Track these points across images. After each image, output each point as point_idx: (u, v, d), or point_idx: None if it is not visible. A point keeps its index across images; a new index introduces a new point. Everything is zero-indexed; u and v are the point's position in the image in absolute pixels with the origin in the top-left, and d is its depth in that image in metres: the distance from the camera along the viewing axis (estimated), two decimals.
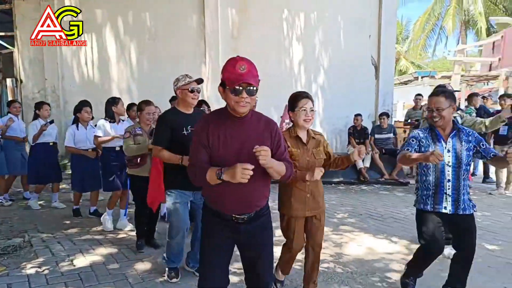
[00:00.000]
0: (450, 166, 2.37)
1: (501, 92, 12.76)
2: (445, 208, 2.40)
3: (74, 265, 3.10)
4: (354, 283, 2.87)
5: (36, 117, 4.86)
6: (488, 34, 20.76)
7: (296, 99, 2.41)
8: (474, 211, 2.43)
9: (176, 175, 2.63)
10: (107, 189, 4.16)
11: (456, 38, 24.06)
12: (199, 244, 2.54)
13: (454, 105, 2.38)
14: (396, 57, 29.53)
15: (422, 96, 7.22)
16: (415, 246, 3.64)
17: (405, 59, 29.43)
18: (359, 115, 7.22)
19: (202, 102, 4.31)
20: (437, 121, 2.37)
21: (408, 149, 2.45)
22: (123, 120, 4.32)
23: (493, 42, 10.72)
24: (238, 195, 1.75)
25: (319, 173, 2.25)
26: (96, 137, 4.09)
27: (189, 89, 2.70)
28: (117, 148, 4.11)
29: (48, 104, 5.07)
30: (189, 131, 2.67)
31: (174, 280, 2.82)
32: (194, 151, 1.80)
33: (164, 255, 2.94)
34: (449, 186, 2.39)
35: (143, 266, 3.14)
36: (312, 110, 2.41)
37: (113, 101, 4.15)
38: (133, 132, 3.49)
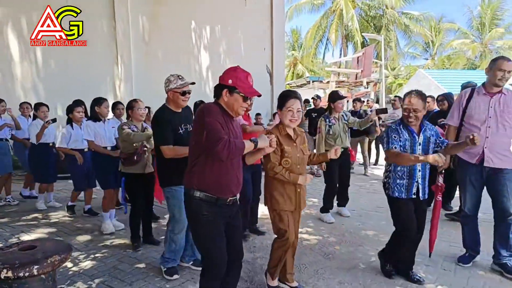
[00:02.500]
0: None
1: (372, 94, 16.41)
2: (415, 194, 2.65)
3: (22, 240, 3.64)
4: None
5: (34, 117, 4.96)
6: (363, 46, 25.08)
7: (284, 99, 2.45)
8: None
9: (173, 171, 2.66)
10: (104, 187, 4.05)
11: (339, 48, 28.18)
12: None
13: (425, 106, 2.63)
14: (293, 62, 33.02)
15: (308, 101, 9.05)
16: (312, 211, 5.04)
17: (301, 64, 32.82)
18: (259, 114, 8.69)
19: (201, 102, 4.36)
20: (412, 122, 2.57)
21: (395, 147, 2.61)
22: (108, 119, 4.27)
23: (358, 57, 13.60)
24: (236, 176, 2.04)
25: (307, 179, 2.43)
26: (88, 141, 4.05)
27: (181, 92, 2.72)
28: (109, 148, 4.07)
29: (47, 106, 5.01)
30: (183, 130, 2.72)
31: (176, 276, 2.87)
32: (218, 129, 1.86)
33: (164, 255, 2.94)
34: (419, 175, 2.63)
35: (83, 238, 3.85)
36: (299, 111, 2.44)
37: (96, 102, 4.07)
38: (130, 127, 3.47)
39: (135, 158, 3.34)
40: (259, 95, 1.99)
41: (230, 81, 1.94)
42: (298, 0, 26.87)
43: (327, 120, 4.51)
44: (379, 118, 5.64)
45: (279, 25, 9.48)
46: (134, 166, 3.39)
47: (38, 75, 8.08)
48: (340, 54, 27.25)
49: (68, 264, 3.13)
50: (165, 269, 2.91)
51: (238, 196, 2.17)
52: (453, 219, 4.33)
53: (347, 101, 14.42)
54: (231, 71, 1.99)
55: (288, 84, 24.53)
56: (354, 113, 7.13)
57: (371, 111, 5.67)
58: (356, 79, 13.84)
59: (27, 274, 1.99)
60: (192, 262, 3.08)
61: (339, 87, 16.32)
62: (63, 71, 8.02)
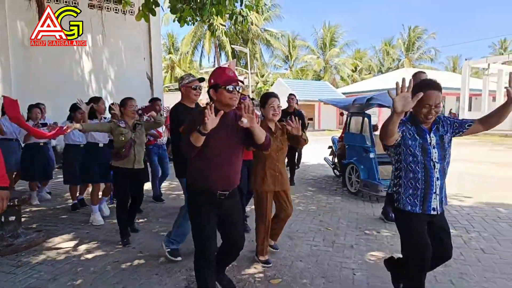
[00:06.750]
0: (438, 162, 2.08)
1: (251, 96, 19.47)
2: (434, 209, 2.10)
3: None
4: None
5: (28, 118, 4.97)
6: (234, 56, 28.41)
7: (266, 98, 2.92)
8: (446, 203, 2.20)
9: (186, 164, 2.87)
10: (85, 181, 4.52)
11: (213, 56, 30.99)
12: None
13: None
14: (171, 65, 34.32)
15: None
16: None
17: (179, 67, 34.37)
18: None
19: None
20: (431, 118, 2.06)
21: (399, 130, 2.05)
22: (105, 118, 4.42)
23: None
24: (223, 172, 2.12)
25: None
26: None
27: (193, 87, 3.03)
28: (101, 145, 4.28)
29: (39, 107, 5.00)
30: None
31: (179, 258, 3.05)
32: (187, 131, 2.07)
33: (170, 238, 3.08)
34: (438, 184, 2.09)
35: None
36: (279, 107, 2.88)
37: (93, 100, 4.29)
38: (117, 122, 3.59)
39: (123, 151, 3.48)
40: (240, 81, 2.13)
41: (212, 81, 2.14)
42: None
43: None
44: None
45: (156, 37, 11.12)
46: (123, 160, 3.51)
47: None
48: (214, 61, 30.04)
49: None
50: (169, 249, 3.06)
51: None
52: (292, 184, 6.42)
53: None
54: (212, 73, 2.19)
55: (167, 87, 25.88)
56: None
57: None
58: None
59: (11, 203, 3.42)
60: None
61: None
62: None
